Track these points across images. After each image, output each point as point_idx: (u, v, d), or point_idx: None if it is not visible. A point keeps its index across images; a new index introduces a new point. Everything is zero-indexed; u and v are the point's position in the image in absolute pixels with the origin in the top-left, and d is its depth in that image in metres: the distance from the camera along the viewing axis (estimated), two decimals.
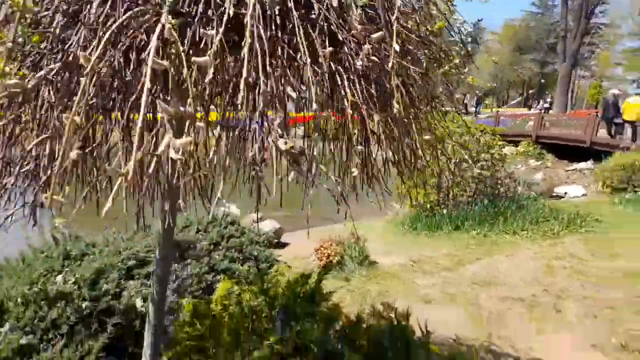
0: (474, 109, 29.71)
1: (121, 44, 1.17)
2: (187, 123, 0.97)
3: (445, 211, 6.70)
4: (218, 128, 1.61)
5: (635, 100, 13.68)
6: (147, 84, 0.87)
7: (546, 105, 26.78)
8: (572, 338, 3.48)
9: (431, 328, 3.53)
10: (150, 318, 1.96)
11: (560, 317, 3.79)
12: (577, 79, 58.21)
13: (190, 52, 1.15)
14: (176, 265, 3.29)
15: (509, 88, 68.20)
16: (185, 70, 0.95)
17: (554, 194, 12.60)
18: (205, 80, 0.98)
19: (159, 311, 1.99)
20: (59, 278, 2.57)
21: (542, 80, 53.87)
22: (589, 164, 15.16)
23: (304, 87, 1.57)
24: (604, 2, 47.99)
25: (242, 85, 0.99)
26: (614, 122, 14.36)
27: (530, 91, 57.18)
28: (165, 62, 0.94)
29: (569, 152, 16.27)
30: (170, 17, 0.98)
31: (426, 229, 6.53)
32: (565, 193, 12.49)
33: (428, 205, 7.00)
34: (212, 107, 1.72)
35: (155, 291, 1.96)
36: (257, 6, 1.04)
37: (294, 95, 1.66)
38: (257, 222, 5.79)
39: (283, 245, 5.87)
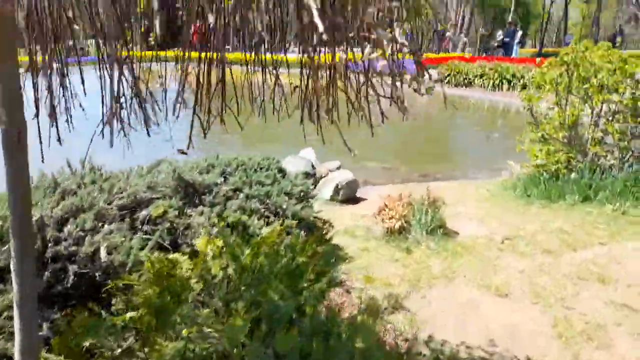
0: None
1: None
2: None
3: (573, 175, 5.22)
4: None
5: None
6: None
7: None
8: None
9: (491, 335, 2.65)
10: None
11: None
12: None
13: None
14: (187, 210, 2.92)
15: None
16: None
17: None
18: None
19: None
20: None
21: None
22: None
23: None
24: None
25: None
26: None
27: None
28: None
29: None
30: None
31: (543, 196, 5.19)
32: None
33: (553, 167, 5.56)
34: None
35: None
36: None
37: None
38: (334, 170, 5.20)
39: (356, 200, 5.20)
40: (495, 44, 20.34)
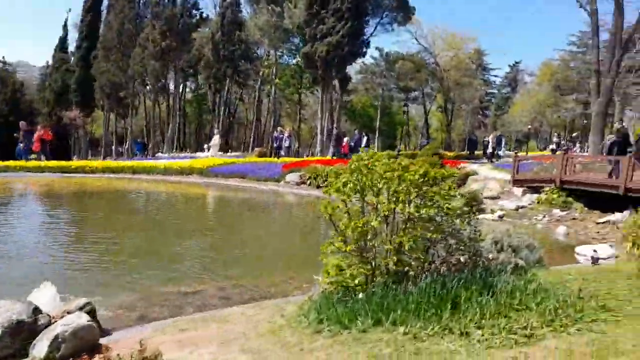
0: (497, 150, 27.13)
1: None
2: None
3: (361, 295, 4.58)
4: None
5: None
6: None
7: (552, 146, 24.60)
8: None
9: None
10: None
11: None
12: (632, 121, 54.63)
13: None
14: None
15: (551, 131, 64.89)
16: None
17: (577, 254, 10.08)
18: None
19: None
20: None
21: (585, 122, 51.00)
22: (625, 214, 12.48)
23: None
24: None
25: None
26: None
27: (574, 134, 54.04)
28: None
29: (602, 200, 13.62)
30: None
31: (335, 321, 4.42)
32: (595, 256, 9.93)
33: (351, 283, 4.93)
34: None
35: None
36: None
37: None
38: None
39: (95, 352, 3.94)
40: None
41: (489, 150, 26.64)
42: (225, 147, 46.60)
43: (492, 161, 25.62)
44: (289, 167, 19.41)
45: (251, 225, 11.38)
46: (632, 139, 14.94)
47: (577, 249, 9.95)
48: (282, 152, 25.49)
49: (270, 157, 26.21)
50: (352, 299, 4.66)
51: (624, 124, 18.37)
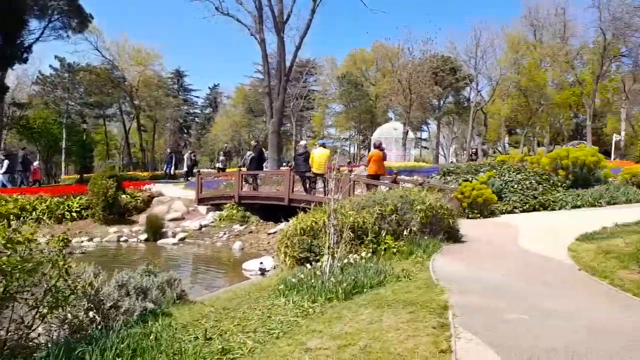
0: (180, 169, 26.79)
1: None
2: None
3: None
4: None
5: (320, 151, 12.74)
6: None
7: (218, 164, 26.90)
8: None
9: None
10: None
11: None
12: (305, 139, 64.60)
13: None
14: None
15: (249, 148, 70.85)
16: None
17: (244, 270, 10.02)
18: None
19: None
20: None
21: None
22: (290, 223, 13.63)
23: None
24: (311, 72, 54.47)
25: None
26: (306, 176, 13.19)
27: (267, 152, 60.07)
28: None
29: (274, 211, 14.52)
30: None
31: None
32: (262, 268, 10.00)
33: None
34: None
35: None
36: None
37: None
38: None
39: None
40: None
41: (184, 169, 26.15)
42: None
43: (188, 180, 25.09)
44: None
45: None
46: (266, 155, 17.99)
47: (244, 265, 9.94)
48: None
49: None
50: None
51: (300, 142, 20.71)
